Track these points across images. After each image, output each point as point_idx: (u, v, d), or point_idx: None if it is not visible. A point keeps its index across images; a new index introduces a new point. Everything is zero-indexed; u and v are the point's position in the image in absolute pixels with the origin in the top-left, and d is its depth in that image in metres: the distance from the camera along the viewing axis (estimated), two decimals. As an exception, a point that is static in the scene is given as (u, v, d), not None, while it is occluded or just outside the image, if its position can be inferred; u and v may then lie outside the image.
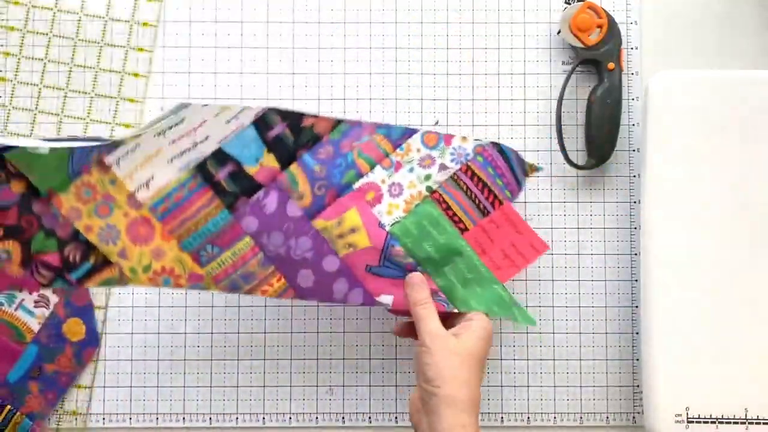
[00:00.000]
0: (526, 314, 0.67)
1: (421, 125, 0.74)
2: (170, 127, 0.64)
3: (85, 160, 0.64)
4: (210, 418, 0.72)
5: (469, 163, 0.67)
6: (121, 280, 0.65)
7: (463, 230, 0.67)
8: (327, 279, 0.66)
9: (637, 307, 0.73)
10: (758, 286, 0.67)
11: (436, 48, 0.75)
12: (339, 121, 0.66)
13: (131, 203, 0.64)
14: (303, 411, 0.73)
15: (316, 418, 0.73)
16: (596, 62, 0.73)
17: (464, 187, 0.67)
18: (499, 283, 0.67)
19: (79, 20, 0.75)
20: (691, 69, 0.73)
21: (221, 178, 0.65)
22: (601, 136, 0.72)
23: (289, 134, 0.66)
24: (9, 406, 0.70)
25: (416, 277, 0.64)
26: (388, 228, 0.66)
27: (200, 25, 0.75)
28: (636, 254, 0.74)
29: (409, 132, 0.67)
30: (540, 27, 0.75)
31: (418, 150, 0.67)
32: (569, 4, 0.75)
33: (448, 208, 0.67)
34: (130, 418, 0.72)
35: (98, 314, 0.72)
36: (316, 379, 0.73)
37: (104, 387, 0.72)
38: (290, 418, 0.73)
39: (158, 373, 0.73)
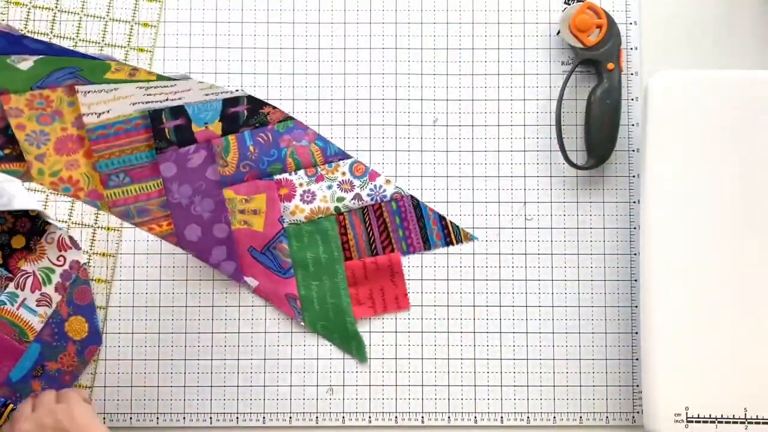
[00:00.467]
0: (362, 351, 0.73)
1: (421, 125, 0.75)
2: (156, 87, 0.66)
3: (57, 83, 0.65)
4: (210, 418, 0.73)
5: (382, 204, 0.73)
6: (24, 177, 0.67)
7: (347, 258, 0.73)
8: (210, 242, 0.71)
9: (636, 307, 0.73)
10: (758, 286, 0.67)
11: (436, 48, 0.75)
12: (289, 117, 0.72)
13: (76, 123, 0.67)
14: (303, 411, 0.73)
15: (316, 418, 0.73)
16: (596, 62, 0.73)
17: (367, 223, 0.73)
18: (352, 315, 0.73)
19: (80, 20, 0.75)
20: (691, 69, 0.73)
21: (168, 126, 0.70)
22: (600, 136, 0.72)
23: (244, 114, 0.72)
24: (12, 405, 0.70)
25: (18, 412, 0.65)
26: (285, 224, 0.73)
27: (200, 25, 0.75)
28: (636, 254, 0.74)
29: (342, 155, 0.74)
30: (540, 27, 0.75)
31: (344, 173, 0.73)
32: (569, 4, 0.75)
33: (345, 233, 0.73)
34: (130, 418, 0.72)
35: (99, 314, 0.73)
36: (316, 379, 0.73)
37: (104, 387, 0.72)
38: (290, 418, 0.73)
39: (158, 373, 0.73)
